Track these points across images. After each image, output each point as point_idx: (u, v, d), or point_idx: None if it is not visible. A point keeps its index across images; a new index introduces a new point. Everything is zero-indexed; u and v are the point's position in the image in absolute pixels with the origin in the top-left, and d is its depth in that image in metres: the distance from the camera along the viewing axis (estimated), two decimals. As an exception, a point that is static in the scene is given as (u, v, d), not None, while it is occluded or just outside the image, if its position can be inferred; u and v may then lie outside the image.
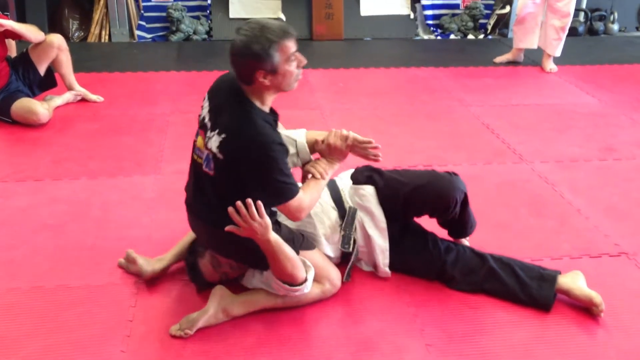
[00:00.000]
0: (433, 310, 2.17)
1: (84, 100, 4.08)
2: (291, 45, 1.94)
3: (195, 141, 2.09)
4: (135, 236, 2.58)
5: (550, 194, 3.01)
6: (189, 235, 2.33)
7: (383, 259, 2.26)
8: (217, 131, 1.95)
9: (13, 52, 3.97)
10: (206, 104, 2.09)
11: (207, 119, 2.04)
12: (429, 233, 2.34)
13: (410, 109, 4.11)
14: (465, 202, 2.28)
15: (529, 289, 2.19)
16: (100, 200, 2.88)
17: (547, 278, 2.21)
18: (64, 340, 2.00)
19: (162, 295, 2.22)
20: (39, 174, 3.11)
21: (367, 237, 2.26)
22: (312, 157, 2.17)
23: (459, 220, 2.32)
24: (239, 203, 1.84)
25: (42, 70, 3.86)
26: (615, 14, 6.25)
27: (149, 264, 2.27)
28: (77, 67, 4.13)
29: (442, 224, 2.38)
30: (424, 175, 2.34)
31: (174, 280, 2.30)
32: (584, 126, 3.89)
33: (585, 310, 2.16)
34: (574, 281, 2.21)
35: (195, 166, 2.08)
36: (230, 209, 1.85)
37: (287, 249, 1.96)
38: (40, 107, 3.66)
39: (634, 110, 4.17)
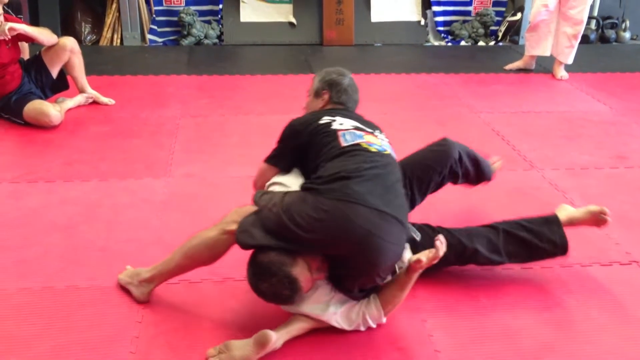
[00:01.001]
0: (442, 316, 2.16)
1: (95, 102, 4.11)
2: None
3: (360, 143, 2.08)
4: (145, 238, 2.59)
5: (560, 201, 2.97)
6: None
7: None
8: (378, 131, 2.25)
9: (26, 54, 4.01)
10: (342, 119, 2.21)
11: (360, 125, 2.20)
12: (432, 226, 2.33)
13: (420, 115, 4.11)
14: (466, 153, 2.44)
15: (545, 236, 2.26)
16: (110, 202, 2.89)
17: (551, 220, 2.32)
18: (74, 341, 2.01)
19: (171, 296, 2.23)
20: (51, 175, 3.14)
21: None
22: None
23: (474, 168, 2.48)
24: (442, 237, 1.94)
25: (54, 72, 3.89)
26: (627, 22, 6.22)
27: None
28: (89, 70, 4.16)
29: (463, 181, 2.52)
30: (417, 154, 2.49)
31: (183, 282, 2.31)
32: (595, 134, 3.87)
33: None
34: (567, 211, 2.36)
35: (381, 165, 2.02)
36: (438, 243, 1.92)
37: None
38: (52, 109, 3.68)
39: (646, 118, 4.15)
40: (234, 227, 1.97)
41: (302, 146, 2.19)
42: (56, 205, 2.84)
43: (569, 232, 2.31)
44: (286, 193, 2.00)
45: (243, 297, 2.23)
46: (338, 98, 2.40)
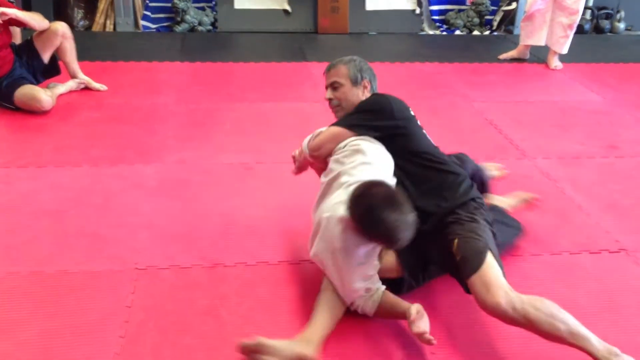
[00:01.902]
0: (430, 304, 2.15)
1: (87, 88, 4.09)
2: None
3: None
4: (136, 223, 2.59)
5: (552, 190, 3.00)
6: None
7: None
8: None
9: (17, 39, 3.97)
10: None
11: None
12: None
13: (414, 104, 4.02)
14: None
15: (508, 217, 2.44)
16: (101, 187, 2.89)
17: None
18: (63, 325, 2.00)
19: (161, 282, 2.23)
20: (41, 160, 3.12)
21: None
22: None
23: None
24: None
25: (46, 57, 3.86)
26: (622, 13, 6.22)
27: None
28: (81, 56, 4.13)
29: None
30: None
31: (173, 267, 2.31)
32: (588, 124, 3.88)
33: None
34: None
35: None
36: None
37: None
38: (44, 95, 3.66)
39: (638, 109, 4.16)
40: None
41: (397, 129, 2.18)
42: (46, 191, 2.83)
43: (554, 223, 2.31)
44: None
45: (233, 282, 2.23)
46: (375, 87, 2.38)
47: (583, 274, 2.36)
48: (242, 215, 2.68)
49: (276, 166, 3.07)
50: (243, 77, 4.50)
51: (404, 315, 1.91)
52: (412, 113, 2.28)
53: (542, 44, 4.96)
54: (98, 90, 4.08)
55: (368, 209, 1.81)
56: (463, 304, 2.12)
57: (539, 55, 5.15)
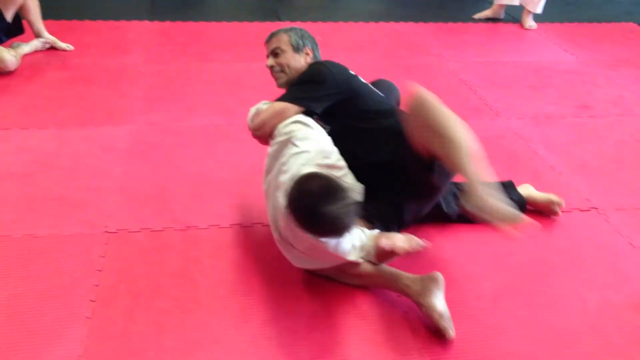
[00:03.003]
0: (405, 265, 2.17)
1: (53, 48, 3.96)
2: None
3: None
4: (106, 187, 2.54)
5: (525, 150, 3.02)
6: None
7: None
8: None
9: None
10: None
11: None
12: None
13: (388, 64, 4.07)
14: None
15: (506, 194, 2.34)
16: (69, 150, 2.82)
17: (507, 184, 2.42)
18: (31, 290, 1.97)
19: (132, 245, 2.20)
20: (6, 122, 3.03)
21: None
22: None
23: None
24: None
25: (8, 16, 3.71)
26: (596, -28, 6.19)
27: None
28: (46, 14, 3.99)
29: None
30: None
31: (144, 230, 2.28)
32: (561, 84, 3.88)
33: (543, 213, 2.43)
34: (528, 189, 2.45)
35: None
36: None
37: None
38: (7, 54, 3.54)
39: (610, 68, 4.18)
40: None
41: (342, 93, 2.16)
42: (12, 154, 2.75)
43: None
44: None
45: (206, 245, 2.21)
46: (318, 56, 2.36)
47: (554, 232, 2.39)
48: (215, 177, 2.64)
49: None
50: (214, 37, 4.40)
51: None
52: (352, 72, 2.27)
53: (517, 3, 4.93)
54: (64, 50, 3.96)
55: (306, 212, 1.74)
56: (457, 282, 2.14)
57: (514, 14, 5.12)
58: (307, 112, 2.15)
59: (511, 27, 4.96)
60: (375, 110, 2.21)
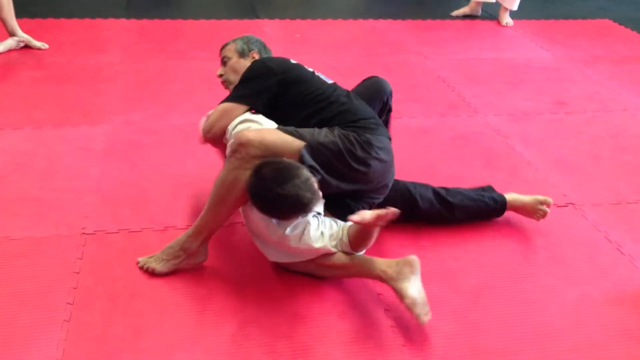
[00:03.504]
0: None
1: (27, 47, 3.91)
2: None
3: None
4: (83, 187, 2.50)
5: (502, 146, 3.04)
6: None
7: None
8: None
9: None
10: None
11: None
12: None
13: (367, 61, 4.07)
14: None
15: (486, 193, 2.38)
16: (45, 150, 2.77)
17: (486, 189, 2.42)
18: (7, 293, 1.94)
19: (110, 246, 2.17)
20: (-20, 123, 2.98)
21: None
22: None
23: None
24: None
25: (-19, 14, 3.66)
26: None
27: None
28: (20, 12, 3.93)
29: None
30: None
31: (122, 231, 2.25)
32: (537, 80, 3.92)
33: (533, 216, 2.37)
34: (513, 195, 2.40)
35: None
36: None
37: None
38: (-20, 54, 3.48)
39: (586, 64, 4.23)
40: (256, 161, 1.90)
41: (281, 83, 2.14)
42: (-14, 155, 2.71)
43: (504, 178, 2.34)
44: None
45: (185, 245, 2.19)
46: (267, 54, 2.41)
47: (532, 228, 2.41)
48: (193, 177, 2.62)
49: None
50: (192, 35, 4.37)
51: (370, 232, 1.92)
52: (295, 62, 2.27)
53: (493, 0, 4.96)
54: (39, 49, 3.90)
55: (265, 198, 1.84)
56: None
57: (491, 12, 5.16)
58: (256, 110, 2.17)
59: (488, 24, 5.00)
60: (319, 95, 2.16)
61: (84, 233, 2.23)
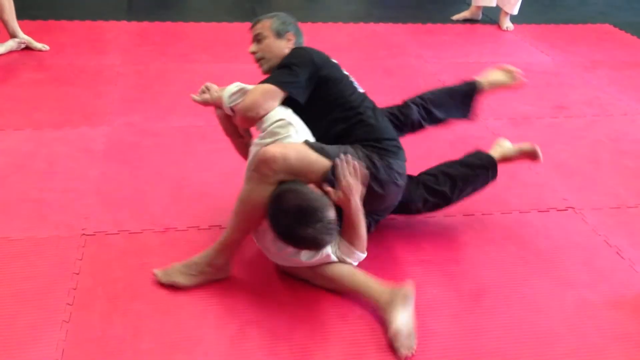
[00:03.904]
0: (386, 265, 2.18)
1: (28, 48, 3.91)
2: None
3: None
4: (84, 189, 2.51)
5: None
6: None
7: None
8: None
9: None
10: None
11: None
12: None
13: (368, 65, 4.08)
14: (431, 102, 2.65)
15: (475, 164, 2.38)
16: (45, 152, 2.78)
17: (471, 154, 2.45)
18: (7, 293, 1.94)
19: (110, 248, 2.18)
20: (-20, 124, 2.98)
21: None
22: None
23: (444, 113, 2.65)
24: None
25: (-18, 16, 3.67)
26: (572, -25, 6.28)
27: None
28: (21, 14, 3.94)
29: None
30: None
31: (122, 232, 2.25)
32: (537, 84, 3.93)
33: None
34: (502, 147, 2.46)
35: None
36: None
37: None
38: (-19, 55, 3.49)
39: (585, 69, 4.23)
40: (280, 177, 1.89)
41: (320, 79, 2.12)
42: (-13, 156, 2.71)
43: (504, 183, 2.33)
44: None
45: (185, 247, 2.19)
46: (300, 42, 2.31)
47: (532, 232, 2.41)
48: (194, 178, 2.63)
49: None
50: (193, 37, 4.37)
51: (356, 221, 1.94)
52: (335, 61, 2.25)
53: (494, 4, 4.97)
54: (40, 51, 3.91)
55: (285, 231, 1.82)
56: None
57: (492, 16, 5.17)
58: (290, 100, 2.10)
59: (489, 29, 5.00)
60: (349, 101, 2.14)
61: (84, 234, 2.23)
